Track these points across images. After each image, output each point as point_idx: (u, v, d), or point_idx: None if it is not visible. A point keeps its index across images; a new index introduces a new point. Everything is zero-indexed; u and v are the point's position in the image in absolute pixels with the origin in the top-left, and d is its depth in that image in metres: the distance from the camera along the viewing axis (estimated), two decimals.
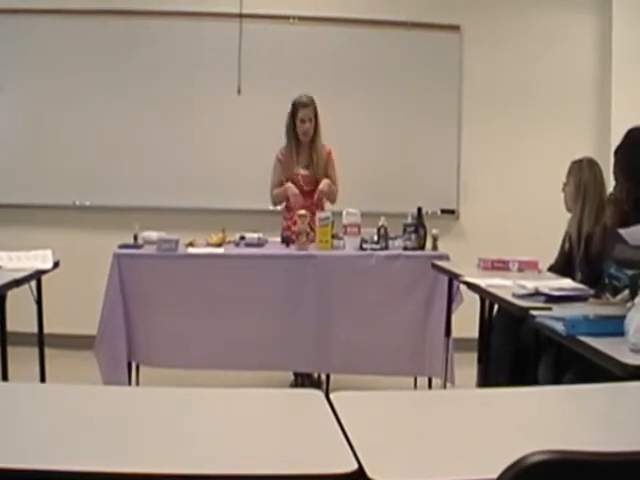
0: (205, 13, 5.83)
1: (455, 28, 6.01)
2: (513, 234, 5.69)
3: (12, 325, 3.43)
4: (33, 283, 3.75)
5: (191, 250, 4.54)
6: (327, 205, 5.00)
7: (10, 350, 3.44)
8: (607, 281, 3.13)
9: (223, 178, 5.87)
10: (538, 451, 1.05)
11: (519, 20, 6.10)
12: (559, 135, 6.01)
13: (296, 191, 4.89)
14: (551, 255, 4.06)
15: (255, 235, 4.76)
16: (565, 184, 3.98)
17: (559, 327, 2.48)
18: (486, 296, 3.50)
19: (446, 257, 4.52)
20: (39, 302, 3.90)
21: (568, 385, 2.47)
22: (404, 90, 5.99)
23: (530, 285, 3.16)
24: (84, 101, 5.80)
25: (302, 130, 4.94)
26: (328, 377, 4.64)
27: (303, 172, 4.96)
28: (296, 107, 4.95)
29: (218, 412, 1.58)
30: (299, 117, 4.94)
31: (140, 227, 4.60)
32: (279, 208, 5.05)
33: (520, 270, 3.91)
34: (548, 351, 3.06)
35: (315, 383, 4.76)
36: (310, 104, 4.94)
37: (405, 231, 4.64)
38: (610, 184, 3.64)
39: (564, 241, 3.99)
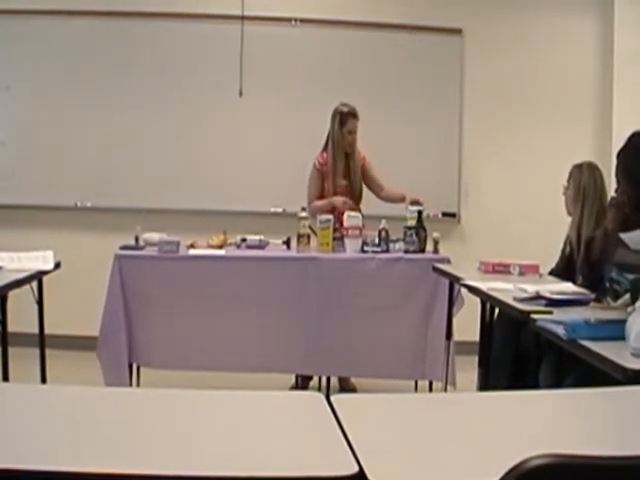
0: (207, 15, 5.84)
1: (457, 31, 6.01)
2: (514, 237, 5.69)
3: (13, 326, 3.43)
4: (34, 284, 3.76)
5: (192, 252, 4.54)
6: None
7: (11, 351, 3.44)
8: (608, 285, 3.13)
9: (224, 180, 5.87)
10: (538, 455, 1.05)
11: (521, 23, 6.11)
12: (561, 138, 6.02)
13: (342, 198, 4.84)
14: (552, 259, 4.06)
15: (256, 237, 4.76)
16: (566, 188, 3.98)
17: (560, 331, 2.48)
18: (487, 299, 3.50)
19: (447, 260, 4.52)
20: (40, 303, 3.90)
21: (569, 389, 2.46)
22: (406, 93, 5.99)
23: (531, 289, 3.16)
24: (86, 102, 5.81)
25: (349, 141, 4.89)
26: (329, 380, 4.64)
27: (342, 182, 4.93)
28: (344, 117, 4.85)
29: (218, 414, 1.58)
30: (348, 128, 4.86)
31: (141, 228, 4.61)
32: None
33: (521, 274, 3.91)
34: (549, 355, 3.06)
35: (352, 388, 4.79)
36: (357, 114, 4.87)
37: (406, 234, 4.64)
38: (612, 187, 3.65)
39: (565, 245, 4.00)
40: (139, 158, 5.86)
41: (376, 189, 5.02)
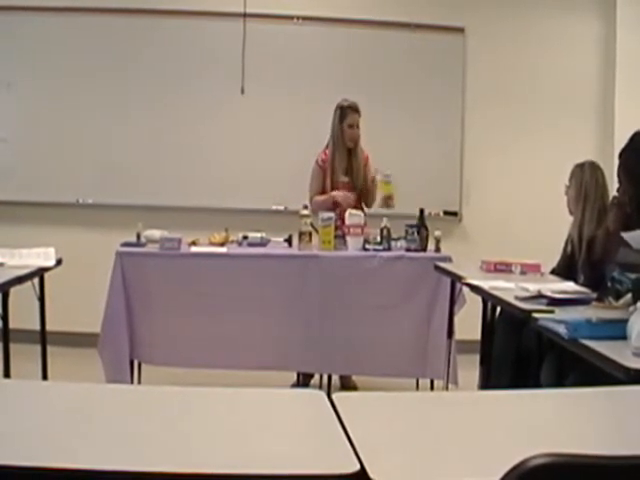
0: (209, 12, 5.83)
1: (459, 30, 6.01)
2: (516, 236, 5.68)
3: (15, 322, 3.43)
4: (36, 280, 3.76)
5: (194, 249, 4.54)
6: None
7: (12, 347, 3.44)
8: (610, 284, 3.12)
9: (226, 178, 5.87)
10: (540, 454, 1.05)
11: (523, 23, 6.10)
12: (563, 138, 6.01)
13: (342, 192, 4.82)
14: (554, 258, 4.06)
15: (258, 235, 4.76)
16: (568, 187, 3.98)
17: (562, 330, 2.48)
18: (489, 298, 3.49)
19: (449, 259, 4.52)
20: (42, 299, 3.90)
21: (570, 388, 2.46)
22: (408, 91, 5.99)
23: (533, 288, 3.16)
24: (88, 99, 5.81)
25: (350, 136, 4.86)
26: (330, 378, 4.64)
27: (343, 179, 4.91)
28: (345, 111, 4.84)
29: (219, 412, 1.58)
30: (348, 122, 4.83)
31: (143, 225, 4.61)
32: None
33: (523, 273, 3.90)
34: (550, 354, 3.06)
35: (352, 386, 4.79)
36: (358, 109, 4.85)
37: (407, 232, 4.64)
38: (613, 187, 3.65)
39: (566, 244, 3.99)
40: (141, 155, 5.85)
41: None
